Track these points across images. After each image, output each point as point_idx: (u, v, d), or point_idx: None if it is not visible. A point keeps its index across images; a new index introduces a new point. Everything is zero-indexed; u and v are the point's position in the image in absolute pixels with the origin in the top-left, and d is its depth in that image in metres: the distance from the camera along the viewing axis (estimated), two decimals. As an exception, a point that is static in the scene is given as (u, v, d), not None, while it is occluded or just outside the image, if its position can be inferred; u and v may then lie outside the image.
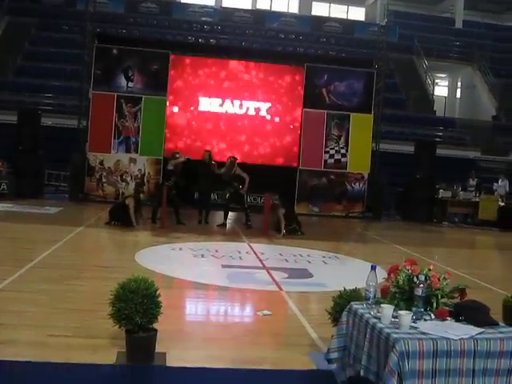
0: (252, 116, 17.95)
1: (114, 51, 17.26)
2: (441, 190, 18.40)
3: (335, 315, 4.53)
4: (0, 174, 16.62)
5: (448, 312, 3.45)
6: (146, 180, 17.00)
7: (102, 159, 17.00)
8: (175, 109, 17.62)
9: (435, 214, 18.42)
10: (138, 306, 4.13)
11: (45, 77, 23.49)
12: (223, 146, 17.69)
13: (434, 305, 3.48)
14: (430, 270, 3.56)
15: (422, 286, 3.41)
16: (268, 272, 8.24)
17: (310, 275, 8.29)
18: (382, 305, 3.37)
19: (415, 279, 3.48)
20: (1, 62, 23.52)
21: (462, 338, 3.15)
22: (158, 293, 4.32)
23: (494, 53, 29.33)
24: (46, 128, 18.51)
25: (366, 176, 18.06)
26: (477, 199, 18.30)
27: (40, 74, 23.75)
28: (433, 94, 27.92)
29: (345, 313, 3.75)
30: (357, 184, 18.00)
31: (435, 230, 17.06)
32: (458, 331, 3.22)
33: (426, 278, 3.47)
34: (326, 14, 32.58)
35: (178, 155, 13.60)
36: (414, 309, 3.40)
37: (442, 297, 3.52)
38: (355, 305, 3.66)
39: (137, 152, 17.09)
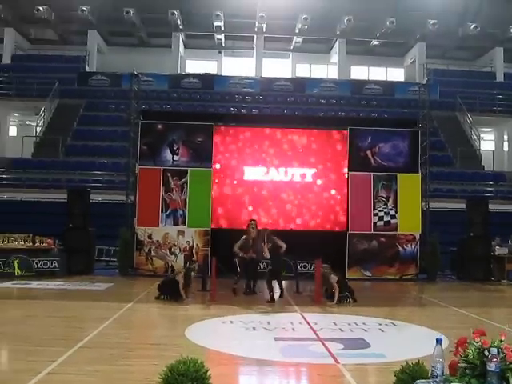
0: (297, 182, 17.89)
1: (159, 126, 17.63)
2: (497, 247, 17.74)
3: (399, 392, 4.20)
4: (51, 252, 16.82)
5: (526, 389, 3.12)
6: (194, 252, 16.96)
7: (150, 233, 17.09)
8: (221, 179, 17.70)
9: (493, 272, 17.73)
10: (187, 390, 3.92)
11: (93, 155, 24.24)
12: (269, 213, 17.59)
13: (510, 380, 3.14)
14: (501, 341, 3.25)
15: (495, 359, 3.11)
16: (323, 343, 7.89)
17: (367, 345, 7.89)
18: (452, 383, 3.07)
19: (486, 352, 3.18)
20: (52, 142, 24.41)
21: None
22: (208, 374, 4.11)
23: (539, 103, 28.88)
24: (96, 204, 18.89)
25: (417, 236, 17.61)
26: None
27: (88, 153, 24.51)
28: (479, 149, 27.46)
29: (411, 392, 3.45)
30: (409, 245, 17.54)
31: (494, 289, 16.33)
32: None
33: (498, 350, 3.16)
34: (366, 77, 32.84)
35: (253, 222, 13.78)
36: (487, 386, 3.09)
37: (518, 371, 3.19)
38: (421, 383, 3.36)
39: (184, 224, 17.15)
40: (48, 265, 16.35)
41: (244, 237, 13.40)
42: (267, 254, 13.05)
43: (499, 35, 30.74)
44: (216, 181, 17.60)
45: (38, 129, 26.20)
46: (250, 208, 17.60)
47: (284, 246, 12.95)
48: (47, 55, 30.26)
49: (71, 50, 30.54)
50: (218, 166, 17.61)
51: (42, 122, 26.45)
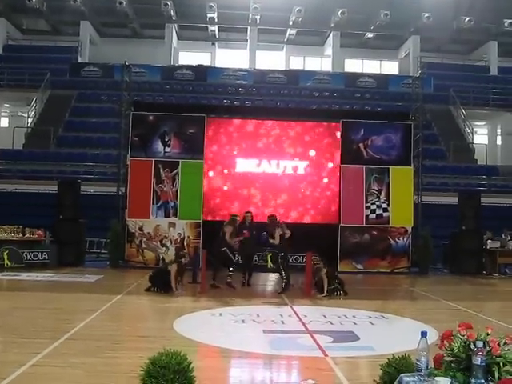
0: (289, 174, 17.81)
1: (150, 118, 17.50)
2: (489, 241, 17.71)
3: (384, 386, 4.15)
4: (42, 244, 16.72)
5: (513, 383, 3.05)
6: (185, 244, 16.86)
7: (141, 225, 17.00)
8: (212, 171, 17.61)
9: (484, 265, 17.73)
10: (169, 383, 3.84)
11: (85, 146, 24.09)
12: (261, 206, 17.52)
13: (496, 374, 3.08)
14: (488, 334, 3.19)
15: (480, 353, 3.04)
16: (312, 336, 7.84)
17: (357, 338, 7.85)
18: (436, 377, 3.00)
19: (472, 346, 3.12)
20: (43, 133, 24.22)
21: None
22: (191, 367, 4.04)
23: (533, 97, 28.87)
24: (86, 196, 18.74)
25: (409, 230, 17.58)
26: (528, 248, 17.56)
27: (80, 144, 24.37)
28: (473, 143, 27.45)
29: (395, 386, 3.39)
30: (401, 238, 17.51)
31: (486, 282, 16.34)
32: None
33: (484, 343, 3.10)
34: (359, 70, 32.76)
35: (237, 218, 13.49)
36: (473, 380, 3.02)
37: (505, 364, 3.12)
38: (406, 377, 3.29)
39: (176, 216, 17.05)
40: (38, 256, 16.23)
41: (228, 226, 13.14)
42: (277, 240, 12.55)
43: (493, 29, 30.69)
44: (208, 173, 17.48)
45: (30, 120, 26.00)
46: (242, 200, 17.49)
47: (289, 232, 12.73)
48: (39, 46, 30.03)
49: (63, 41, 30.25)
50: (209, 157, 17.49)
51: (33, 112, 26.25)
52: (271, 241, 12.74)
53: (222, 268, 12.84)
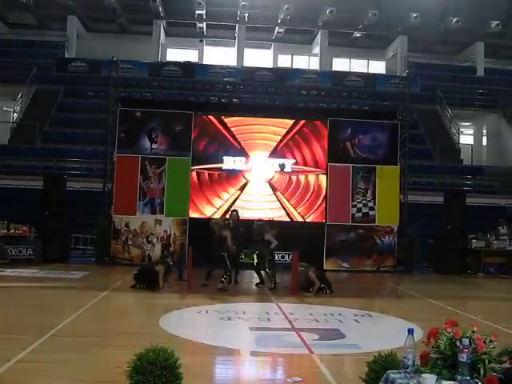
0: (276, 172, 17.79)
1: (138, 114, 17.44)
2: (473, 240, 17.85)
3: (370, 383, 4.17)
4: (27, 240, 16.61)
5: (498, 380, 3.08)
6: (171, 241, 16.84)
7: (127, 221, 16.93)
8: (199, 168, 17.54)
9: (469, 264, 17.87)
10: (156, 379, 3.86)
11: (71, 142, 23.86)
12: (248, 203, 17.51)
13: (482, 372, 3.11)
14: (473, 332, 3.22)
15: (466, 350, 3.07)
16: (298, 334, 7.86)
17: (342, 336, 7.89)
18: (422, 374, 3.02)
19: (458, 343, 3.14)
20: (29, 129, 24.00)
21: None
22: (178, 363, 4.04)
23: (518, 99, 29.06)
24: (73, 192, 18.63)
25: (395, 229, 17.68)
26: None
27: (66, 140, 24.15)
28: (458, 143, 27.60)
29: (381, 383, 3.40)
30: (386, 237, 17.60)
31: (470, 281, 16.49)
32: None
33: (470, 341, 3.13)
34: (347, 69, 32.82)
35: (230, 221, 13.48)
36: (458, 377, 3.05)
37: (490, 361, 3.16)
38: (392, 374, 3.31)
39: (162, 213, 17.02)
40: (23, 252, 16.15)
41: (224, 226, 13.19)
42: (275, 243, 12.90)
43: (480, 30, 30.82)
44: (194, 170, 17.42)
45: (15, 115, 25.76)
46: (229, 198, 17.46)
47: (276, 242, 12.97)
48: (26, 40, 29.69)
49: (50, 36, 29.98)
50: (196, 154, 17.44)
51: (19, 107, 25.99)
52: (272, 246, 12.88)
53: (216, 269, 12.79)
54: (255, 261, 13.36)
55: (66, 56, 29.77)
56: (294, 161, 17.90)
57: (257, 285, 13.26)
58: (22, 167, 22.26)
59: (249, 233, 13.45)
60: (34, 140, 23.95)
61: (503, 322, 8.54)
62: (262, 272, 13.07)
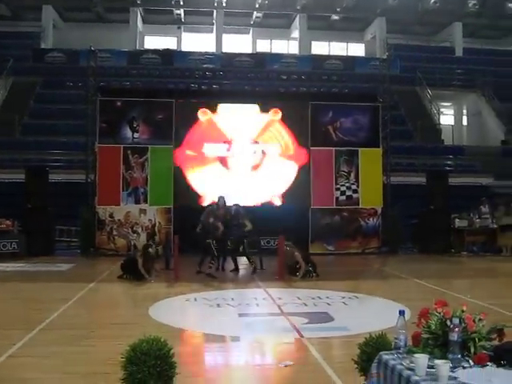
0: (259, 158, 17.79)
1: (118, 103, 17.32)
2: (457, 220, 18.03)
3: (362, 364, 4.22)
4: (10, 234, 16.49)
5: (488, 357, 3.14)
6: (157, 230, 16.81)
7: (111, 212, 16.87)
8: (182, 156, 17.47)
9: (452, 244, 18.06)
10: (151, 369, 3.88)
11: (51, 134, 23.58)
12: (232, 190, 17.47)
13: (472, 349, 3.16)
14: (463, 311, 3.27)
15: (456, 329, 3.11)
16: (287, 318, 7.92)
17: (331, 319, 7.95)
18: (415, 354, 3.07)
19: (448, 323, 3.19)
20: (8, 121, 23.67)
21: (508, 387, 2.85)
22: (171, 352, 4.06)
23: (497, 78, 29.26)
24: (55, 184, 18.47)
25: (379, 210, 17.82)
26: (494, 226, 17.91)
27: (46, 132, 23.85)
28: (439, 123, 27.76)
29: (374, 364, 3.44)
30: (371, 219, 17.74)
31: (454, 260, 16.69)
32: (504, 379, 2.91)
33: (460, 320, 3.18)
34: (326, 53, 32.79)
35: (222, 199, 13.66)
36: (450, 356, 3.10)
37: (480, 340, 3.21)
38: (385, 355, 3.35)
39: (146, 202, 16.98)
40: (7, 246, 16.04)
41: (209, 209, 13.30)
42: (250, 226, 13.13)
43: (458, 10, 30.97)
44: (177, 158, 17.34)
45: (-7, 107, 25.45)
46: (213, 185, 17.41)
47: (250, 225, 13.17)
48: (0, 31, 29.29)
49: (25, 26, 29.59)
50: (178, 142, 17.36)
51: (-4, 100, 25.69)
52: (246, 229, 13.09)
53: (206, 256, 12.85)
54: (229, 246, 13.47)
55: (43, 47, 29.40)
56: (276, 145, 17.87)
57: (231, 271, 13.37)
58: (1, 160, 21.97)
59: (227, 218, 13.52)
60: (13, 133, 23.65)
61: (489, 299, 8.65)
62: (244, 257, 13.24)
